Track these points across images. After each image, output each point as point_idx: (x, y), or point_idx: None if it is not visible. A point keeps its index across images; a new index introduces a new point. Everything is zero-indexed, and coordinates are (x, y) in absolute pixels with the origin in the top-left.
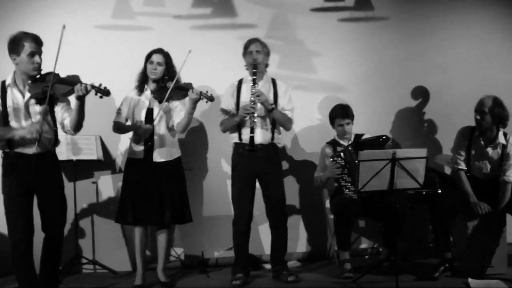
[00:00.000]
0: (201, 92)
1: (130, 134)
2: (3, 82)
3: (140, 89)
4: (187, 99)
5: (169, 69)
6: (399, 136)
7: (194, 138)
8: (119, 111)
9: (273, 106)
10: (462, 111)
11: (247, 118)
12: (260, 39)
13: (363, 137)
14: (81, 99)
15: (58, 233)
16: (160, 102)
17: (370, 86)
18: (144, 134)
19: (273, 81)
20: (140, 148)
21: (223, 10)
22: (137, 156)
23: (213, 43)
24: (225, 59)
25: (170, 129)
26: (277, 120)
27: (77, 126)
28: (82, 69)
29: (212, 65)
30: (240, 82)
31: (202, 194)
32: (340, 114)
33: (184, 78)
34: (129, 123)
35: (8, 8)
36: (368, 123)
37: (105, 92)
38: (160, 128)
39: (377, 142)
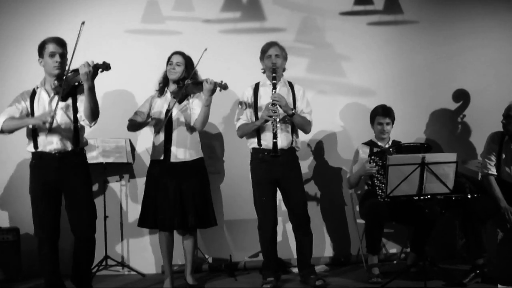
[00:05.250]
0: (215, 82)
1: (152, 136)
2: (34, 88)
3: (161, 91)
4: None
5: (189, 71)
6: (429, 141)
7: (220, 140)
8: (136, 112)
9: (293, 111)
10: (494, 116)
11: (269, 122)
12: (279, 42)
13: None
14: (87, 80)
15: (86, 234)
16: (179, 101)
17: (399, 90)
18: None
19: (290, 85)
20: (160, 149)
21: (252, 14)
22: (157, 157)
23: (242, 47)
24: (253, 63)
25: (190, 128)
26: (297, 124)
27: (90, 115)
28: (112, 73)
29: (240, 69)
30: (256, 86)
31: (230, 197)
32: (381, 112)
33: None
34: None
35: (36, 12)
36: (397, 127)
37: (104, 66)
38: (179, 128)
39: (418, 149)
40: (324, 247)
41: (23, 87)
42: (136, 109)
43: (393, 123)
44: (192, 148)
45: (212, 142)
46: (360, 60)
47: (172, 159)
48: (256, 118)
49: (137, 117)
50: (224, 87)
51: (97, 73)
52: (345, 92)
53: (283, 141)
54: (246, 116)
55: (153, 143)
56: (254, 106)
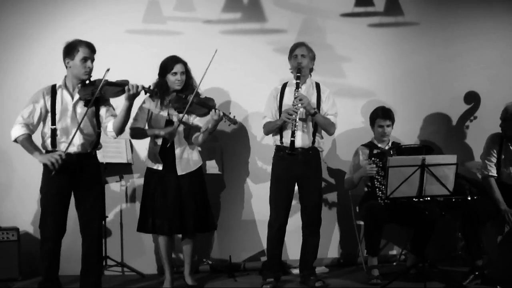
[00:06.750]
0: (224, 114)
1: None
2: (54, 86)
3: (162, 101)
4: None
5: (189, 78)
6: (429, 142)
7: (220, 140)
8: (136, 118)
9: (315, 110)
10: (494, 117)
11: (289, 121)
12: (307, 43)
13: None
14: (131, 100)
15: (94, 235)
16: (180, 113)
17: (400, 92)
18: (171, 136)
19: (317, 86)
20: (159, 162)
21: (252, 15)
22: (157, 168)
23: (242, 48)
24: (254, 64)
25: (190, 142)
26: (320, 124)
27: (121, 128)
28: (113, 73)
29: (241, 70)
30: (284, 86)
31: (230, 198)
32: (382, 115)
33: (211, 83)
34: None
35: (37, 11)
36: (397, 128)
37: (153, 92)
38: (181, 140)
39: (420, 151)
40: (325, 248)
41: (24, 86)
42: (134, 116)
43: (393, 125)
44: (193, 158)
45: (212, 143)
46: (360, 61)
47: (178, 173)
48: (280, 116)
49: (138, 124)
50: (233, 122)
51: (139, 94)
52: (346, 93)
53: (303, 140)
54: (272, 114)
55: (151, 152)
56: (279, 104)
